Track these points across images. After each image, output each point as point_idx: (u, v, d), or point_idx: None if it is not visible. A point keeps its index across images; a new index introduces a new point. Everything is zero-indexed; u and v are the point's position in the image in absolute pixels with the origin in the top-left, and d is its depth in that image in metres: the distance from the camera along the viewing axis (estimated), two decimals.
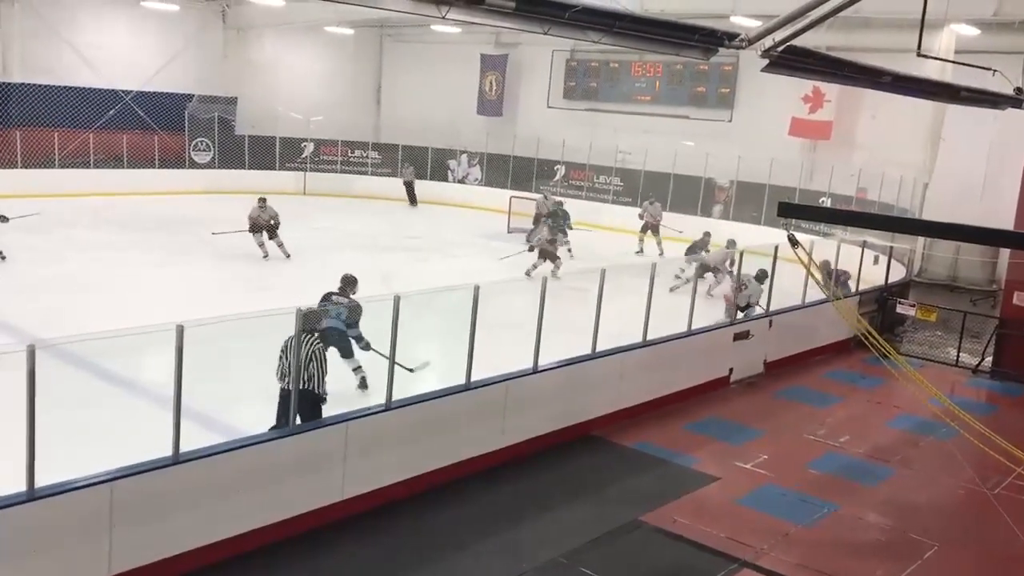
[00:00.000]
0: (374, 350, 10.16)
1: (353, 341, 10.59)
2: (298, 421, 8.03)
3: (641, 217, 22.34)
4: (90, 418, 9.38)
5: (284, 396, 8.46)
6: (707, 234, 19.29)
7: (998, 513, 9.36)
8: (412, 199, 29.55)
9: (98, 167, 26.36)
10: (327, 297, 10.89)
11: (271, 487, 7.60)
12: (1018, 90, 14.04)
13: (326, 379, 8.43)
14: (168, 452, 6.93)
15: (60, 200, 23.38)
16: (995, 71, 13.84)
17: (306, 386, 8.22)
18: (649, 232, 22.16)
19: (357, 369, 10.73)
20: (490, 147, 30.54)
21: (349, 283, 11.10)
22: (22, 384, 6.07)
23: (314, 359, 8.28)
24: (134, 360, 10.49)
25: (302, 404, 8.12)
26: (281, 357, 8.48)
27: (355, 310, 10.47)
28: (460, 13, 8.64)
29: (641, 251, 21.90)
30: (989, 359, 15.00)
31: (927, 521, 9.22)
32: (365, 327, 10.61)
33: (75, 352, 9.65)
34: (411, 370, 9.65)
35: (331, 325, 10.30)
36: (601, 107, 28.91)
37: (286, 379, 8.36)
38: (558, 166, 29.15)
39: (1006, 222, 14.54)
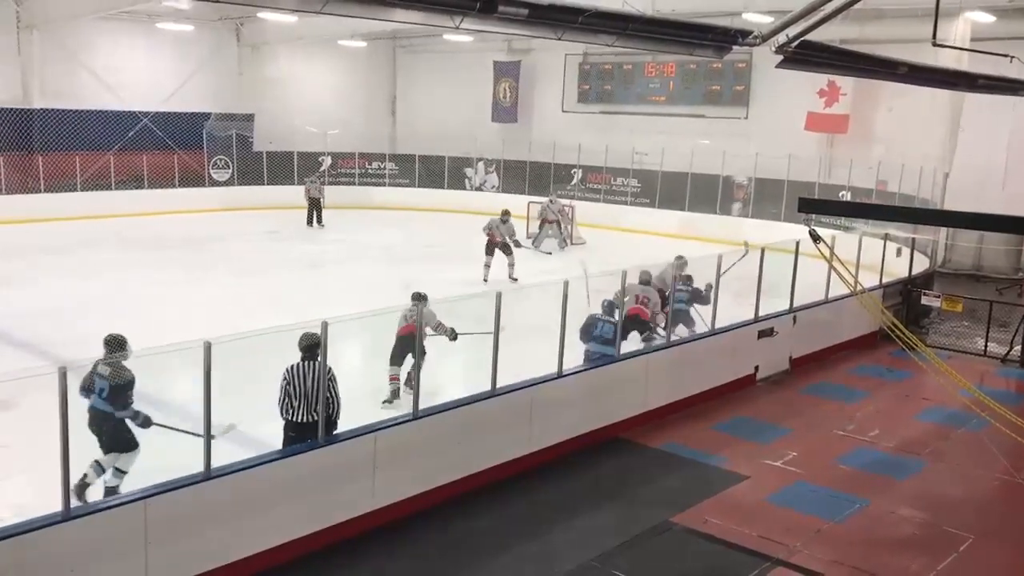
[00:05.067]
0: (160, 424, 7.89)
1: (129, 423, 7.84)
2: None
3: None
4: None
5: (294, 429, 8.06)
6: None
7: None
8: (317, 218, 26.09)
9: (119, 188, 26.66)
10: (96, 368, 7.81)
11: (303, 499, 7.66)
12: None
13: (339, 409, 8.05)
14: (200, 468, 7.01)
15: (84, 222, 23.70)
16: (1012, 57, 13.75)
17: (316, 418, 7.90)
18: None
19: (113, 484, 7.83)
20: (506, 154, 30.60)
21: (115, 347, 7.86)
22: (55, 405, 6.17)
23: (323, 389, 7.82)
24: (163, 378, 10.58)
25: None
26: (284, 387, 8.00)
27: (120, 384, 7.68)
28: (474, 22, 8.71)
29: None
30: (1017, 348, 14.84)
31: (961, 514, 9.13)
32: (387, 338, 10.36)
33: None
34: (212, 437, 7.39)
35: (94, 404, 7.70)
36: (616, 109, 28.90)
37: (292, 412, 7.97)
38: (575, 170, 29.16)
39: None
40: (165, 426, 7.85)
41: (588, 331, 10.96)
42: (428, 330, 10.48)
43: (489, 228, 18.32)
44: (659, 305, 12.42)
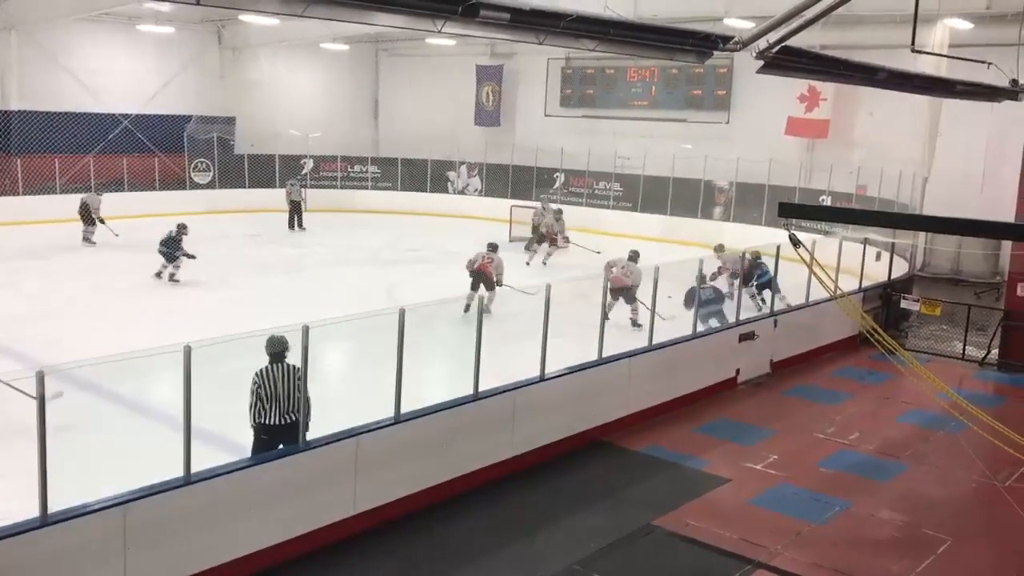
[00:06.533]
0: None
1: None
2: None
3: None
4: (101, 442, 9.40)
5: (267, 432, 7.92)
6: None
7: (1010, 505, 9.35)
8: (298, 221, 25.99)
9: (99, 191, 26.37)
10: None
11: (284, 504, 7.62)
12: (1014, 82, 14.06)
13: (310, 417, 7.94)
14: (180, 473, 6.96)
15: (63, 225, 23.47)
16: (990, 64, 13.86)
17: (290, 421, 7.82)
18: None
19: None
20: (489, 157, 30.59)
21: None
22: (32, 410, 6.11)
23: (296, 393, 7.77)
24: (143, 382, 10.51)
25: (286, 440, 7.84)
26: (255, 391, 7.86)
27: None
28: (456, 27, 8.70)
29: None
30: (995, 351, 14.98)
31: (940, 516, 9.21)
32: (370, 342, 10.41)
33: (84, 377, 9.70)
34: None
35: None
36: (598, 113, 28.97)
37: (264, 415, 7.84)
38: (557, 174, 29.20)
39: (1007, 214, 14.55)
40: None
41: (691, 299, 12.83)
42: (493, 273, 14.71)
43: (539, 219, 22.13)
44: (639, 277, 14.58)
